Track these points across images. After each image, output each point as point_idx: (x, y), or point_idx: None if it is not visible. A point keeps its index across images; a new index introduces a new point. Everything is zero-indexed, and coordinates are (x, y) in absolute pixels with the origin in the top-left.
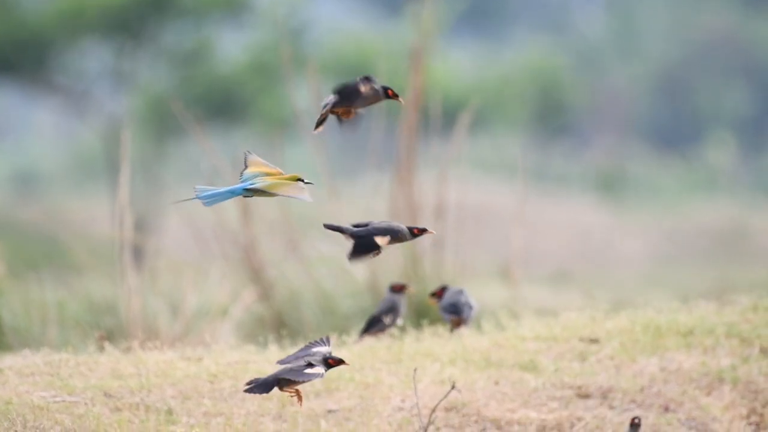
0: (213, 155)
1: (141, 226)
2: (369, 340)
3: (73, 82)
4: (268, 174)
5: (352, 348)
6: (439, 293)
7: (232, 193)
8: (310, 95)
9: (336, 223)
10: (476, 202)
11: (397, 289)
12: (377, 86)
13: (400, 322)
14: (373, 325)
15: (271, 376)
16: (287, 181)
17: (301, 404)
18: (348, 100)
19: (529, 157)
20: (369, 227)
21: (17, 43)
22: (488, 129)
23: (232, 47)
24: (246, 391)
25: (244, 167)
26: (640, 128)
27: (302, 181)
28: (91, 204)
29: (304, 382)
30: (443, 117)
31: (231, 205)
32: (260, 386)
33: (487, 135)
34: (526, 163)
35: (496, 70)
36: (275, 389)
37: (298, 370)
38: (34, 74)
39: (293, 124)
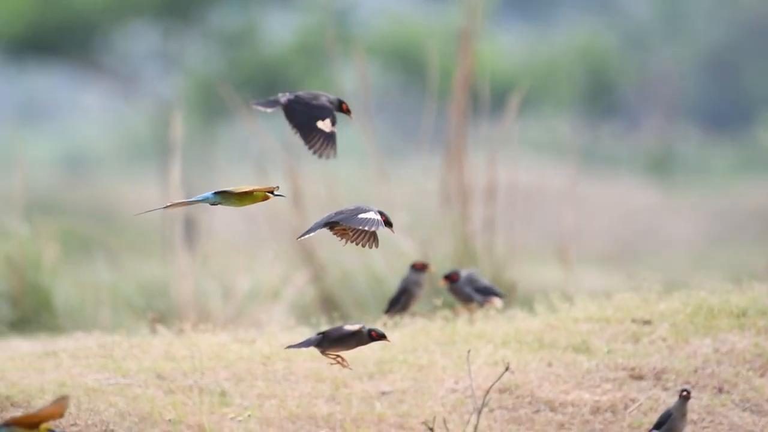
0: (261, 137)
1: (191, 209)
2: (422, 321)
3: (120, 64)
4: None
5: (404, 330)
6: (454, 277)
7: (201, 200)
8: (357, 77)
9: (310, 227)
10: (526, 183)
11: (419, 267)
12: (333, 101)
13: (417, 303)
14: (394, 305)
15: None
16: (257, 188)
17: (346, 365)
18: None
19: (577, 138)
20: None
21: (64, 26)
22: (537, 110)
23: (279, 29)
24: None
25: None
26: (689, 108)
27: (272, 193)
28: (141, 187)
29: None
30: (492, 99)
31: (282, 187)
32: (304, 342)
33: (536, 116)
34: (576, 144)
35: (544, 52)
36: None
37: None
38: (82, 57)
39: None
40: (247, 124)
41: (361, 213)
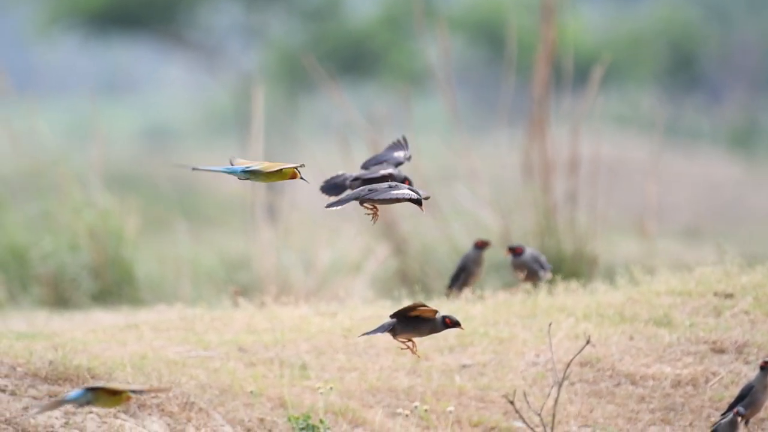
0: (345, 109)
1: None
2: (503, 295)
3: (203, 37)
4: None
5: (487, 303)
6: (518, 250)
7: (228, 171)
8: (441, 49)
9: (340, 198)
10: (608, 157)
11: (479, 245)
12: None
13: (477, 280)
14: (454, 282)
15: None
16: (283, 167)
17: (415, 353)
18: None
19: (660, 112)
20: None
21: (148, 0)
22: (619, 84)
23: (362, 1)
24: (361, 335)
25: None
26: None
27: (299, 169)
28: (222, 160)
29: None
30: (575, 72)
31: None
32: (378, 329)
33: (619, 90)
34: (658, 118)
35: (627, 25)
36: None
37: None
38: (165, 30)
39: (424, 79)
40: (330, 96)
41: (395, 190)
